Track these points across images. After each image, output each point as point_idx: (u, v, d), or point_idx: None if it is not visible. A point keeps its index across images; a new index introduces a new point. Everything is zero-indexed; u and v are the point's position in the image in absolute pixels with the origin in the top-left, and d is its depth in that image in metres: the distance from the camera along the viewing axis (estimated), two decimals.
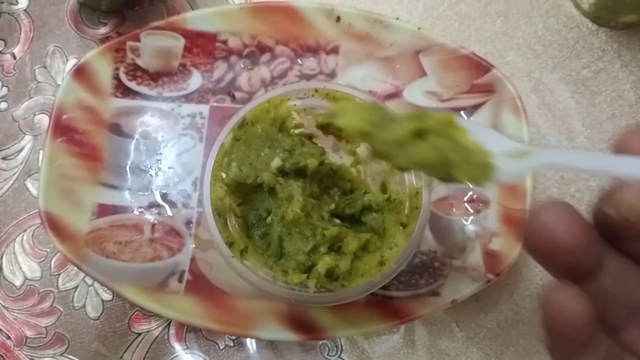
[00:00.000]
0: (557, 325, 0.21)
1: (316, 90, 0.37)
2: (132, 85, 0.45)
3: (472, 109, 0.45)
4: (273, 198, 0.36)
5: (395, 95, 0.45)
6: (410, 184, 0.36)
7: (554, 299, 0.21)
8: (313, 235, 0.34)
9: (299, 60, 0.46)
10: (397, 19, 0.46)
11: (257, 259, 0.35)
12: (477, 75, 0.44)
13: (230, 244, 0.34)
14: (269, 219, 0.36)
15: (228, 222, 0.35)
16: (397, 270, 0.34)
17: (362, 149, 0.39)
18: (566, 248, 0.20)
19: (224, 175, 0.35)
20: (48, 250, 0.44)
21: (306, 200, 0.35)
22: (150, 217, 0.43)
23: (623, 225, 0.21)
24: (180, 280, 0.41)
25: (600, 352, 0.21)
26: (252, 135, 0.36)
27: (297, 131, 0.38)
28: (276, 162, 0.35)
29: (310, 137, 0.39)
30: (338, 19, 0.45)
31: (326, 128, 0.38)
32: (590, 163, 0.23)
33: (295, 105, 0.37)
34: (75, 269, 0.43)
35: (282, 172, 0.35)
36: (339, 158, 0.40)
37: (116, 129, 0.44)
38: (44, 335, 0.42)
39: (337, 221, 0.37)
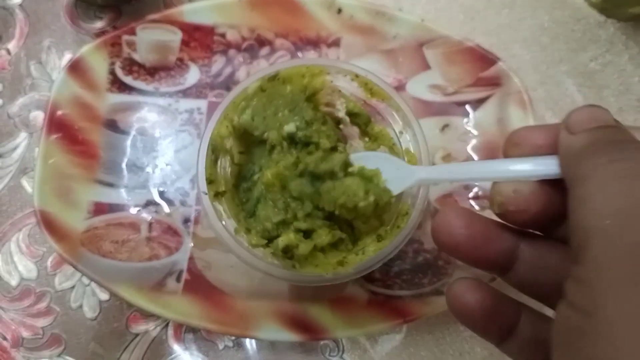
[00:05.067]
0: (457, 310, 0.27)
1: (357, 76, 0.36)
2: (128, 80, 0.44)
3: (477, 103, 0.44)
4: (269, 157, 0.35)
5: (398, 89, 0.44)
6: (404, 202, 0.34)
7: (453, 288, 0.27)
8: (284, 210, 0.33)
9: (299, 54, 0.45)
10: (400, 10, 0.45)
11: (230, 207, 0.34)
12: (482, 69, 0.43)
13: (209, 182, 0.33)
14: (255, 177, 0.35)
15: (218, 162, 0.35)
16: (351, 277, 0.33)
17: (382, 151, 0.38)
18: (465, 243, 0.26)
19: (236, 118, 0.34)
20: (44, 249, 0.43)
21: (285, 172, 0.33)
22: (147, 215, 0.42)
23: (512, 218, 0.26)
24: (178, 279, 0.40)
25: (523, 334, 0.26)
26: (278, 93, 0.35)
27: (326, 109, 0.37)
28: (290, 127, 0.34)
29: (338, 121, 0.38)
30: (339, 10, 0.44)
31: (354, 117, 0.37)
32: (462, 173, 0.29)
33: (331, 82, 0.36)
34: (72, 268, 0.42)
35: (291, 139, 0.34)
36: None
37: (112, 126, 0.43)
38: (40, 336, 0.41)
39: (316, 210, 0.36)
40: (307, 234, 0.34)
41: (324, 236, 0.33)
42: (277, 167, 0.33)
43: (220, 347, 0.41)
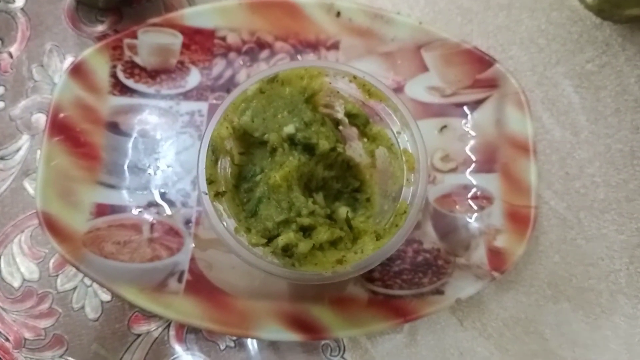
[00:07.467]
0: None
1: (355, 77, 0.36)
2: (130, 83, 0.44)
3: (475, 104, 0.44)
4: (272, 159, 0.35)
5: (397, 90, 0.44)
6: (403, 200, 0.34)
7: None
8: (288, 209, 0.34)
9: (298, 57, 0.45)
10: (398, 13, 0.45)
11: (231, 207, 0.34)
12: (480, 70, 0.44)
13: (209, 182, 0.34)
14: (257, 178, 0.35)
15: (219, 163, 0.35)
16: (350, 275, 0.33)
17: (380, 152, 0.38)
18: None
19: (235, 119, 0.35)
20: (46, 251, 0.43)
21: (292, 173, 0.34)
22: (149, 216, 0.42)
23: None
24: (179, 280, 0.40)
25: None
26: (277, 94, 0.36)
27: (325, 110, 0.37)
28: (289, 129, 0.34)
29: (337, 122, 0.38)
30: (338, 14, 0.45)
31: (352, 118, 0.37)
32: None
33: (330, 83, 0.36)
34: (74, 269, 0.42)
35: (291, 140, 0.35)
36: (358, 156, 0.39)
37: (114, 128, 0.44)
38: (42, 337, 0.42)
39: (319, 207, 0.36)
40: (306, 232, 0.34)
41: (322, 233, 0.34)
42: (285, 170, 0.33)
43: (222, 347, 0.42)
